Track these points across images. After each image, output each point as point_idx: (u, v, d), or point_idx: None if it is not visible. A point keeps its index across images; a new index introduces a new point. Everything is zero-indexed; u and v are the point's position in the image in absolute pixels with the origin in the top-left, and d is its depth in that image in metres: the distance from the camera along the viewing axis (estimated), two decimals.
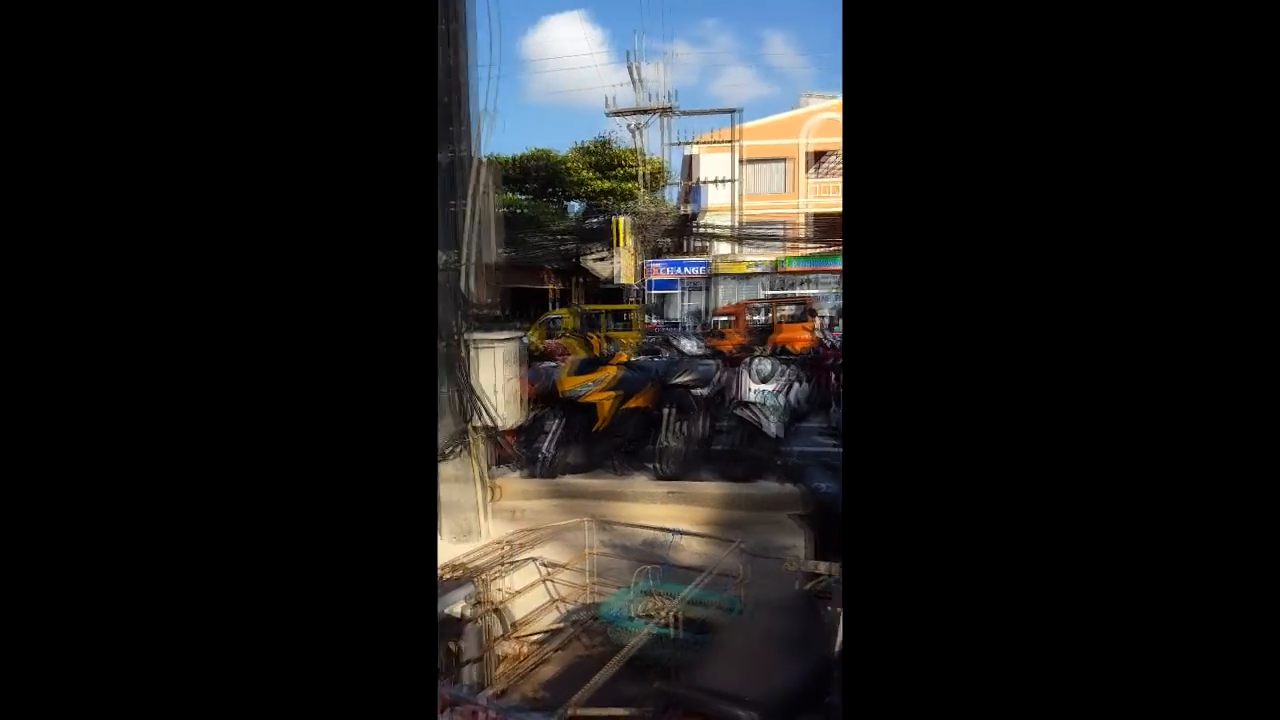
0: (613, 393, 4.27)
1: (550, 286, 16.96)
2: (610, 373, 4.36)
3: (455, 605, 2.07)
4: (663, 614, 1.93)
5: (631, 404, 4.31)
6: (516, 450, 3.87)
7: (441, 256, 3.33)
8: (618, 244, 15.16)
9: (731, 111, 18.20)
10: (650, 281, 16.88)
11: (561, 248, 17.23)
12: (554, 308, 14.72)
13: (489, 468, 3.53)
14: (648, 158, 18.98)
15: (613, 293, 15.88)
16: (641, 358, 5.11)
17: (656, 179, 19.79)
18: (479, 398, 3.27)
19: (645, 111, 17.99)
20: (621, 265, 15.23)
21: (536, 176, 20.84)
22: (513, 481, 3.99)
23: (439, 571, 2.14)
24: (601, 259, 16.70)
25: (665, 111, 18.00)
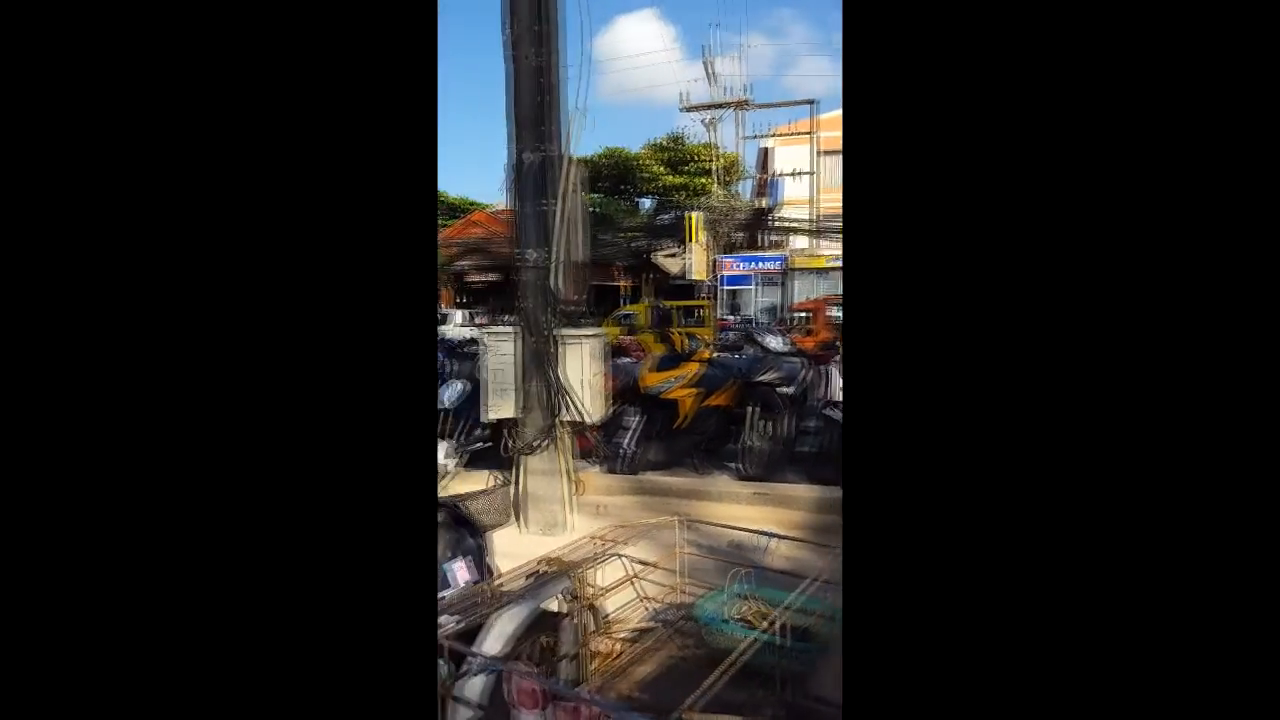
0: (694, 390, 4.22)
1: (621, 283, 17.09)
2: (692, 369, 4.31)
3: (551, 600, 2.09)
4: (766, 620, 1.87)
5: (712, 401, 4.25)
6: (599, 445, 3.90)
7: (532, 254, 3.39)
8: (690, 239, 15.06)
9: (810, 103, 17.70)
10: (723, 277, 16.67)
11: (632, 244, 17.31)
12: (625, 304, 14.81)
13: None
14: (722, 152, 18.74)
15: (683, 289, 15.79)
16: (723, 354, 5.03)
17: (730, 173, 19.52)
18: (568, 393, 3.31)
19: (720, 106, 17.78)
20: (693, 261, 15.12)
21: (608, 175, 21.02)
22: (594, 476, 4.02)
23: (535, 565, 2.17)
24: (672, 255, 16.64)
25: (740, 105, 17.71)
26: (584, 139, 3.35)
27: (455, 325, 10.87)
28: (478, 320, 13.51)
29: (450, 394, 2.73)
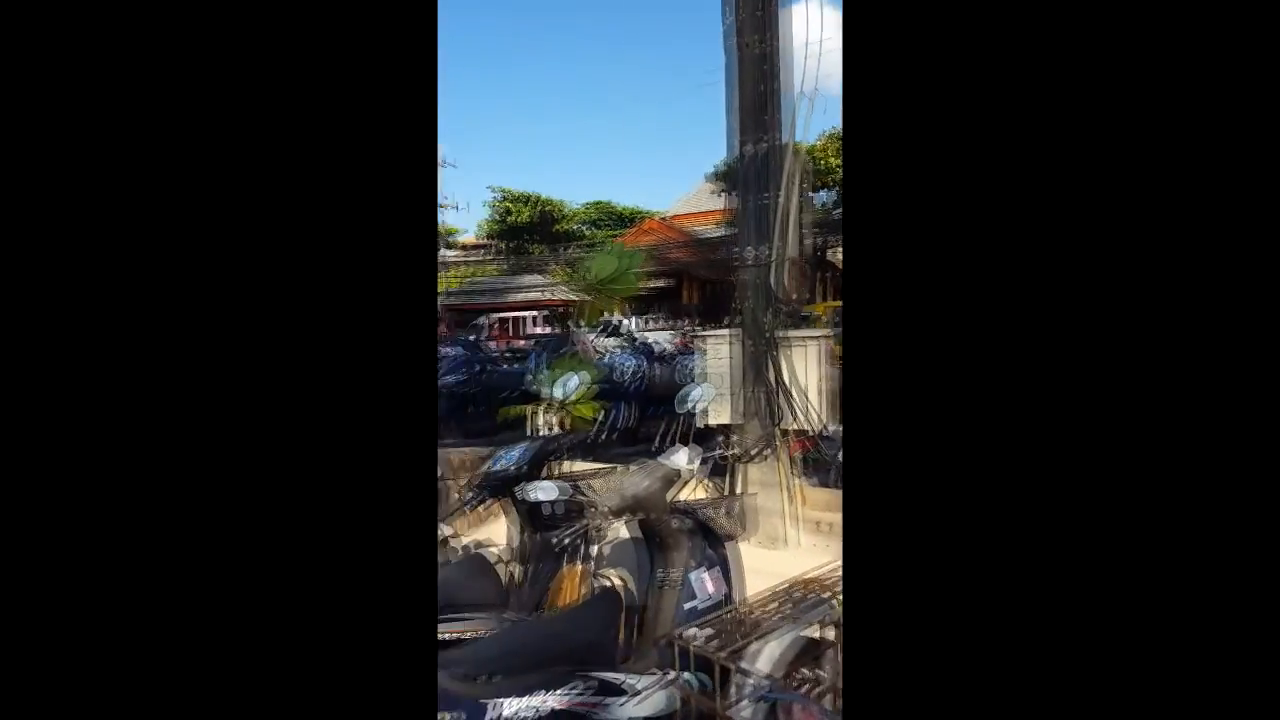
0: None
1: None
2: None
3: (813, 626, 1.92)
4: None
5: None
6: (826, 457, 3.63)
7: (751, 252, 3.25)
8: None
9: None
10: None
11: (805, 241, 16.61)
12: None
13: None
14: None
15: None
16: None
17: None
18: (792, 399, 3.11)
19: None
20: None
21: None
22: (807, 490, 3.75)
23: (789, 587, 2.02)
24: None
25: None
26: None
27: (635, 329, 11.24)
28: (651, 324, 13.95)
29: (700, 398, 2.68)
